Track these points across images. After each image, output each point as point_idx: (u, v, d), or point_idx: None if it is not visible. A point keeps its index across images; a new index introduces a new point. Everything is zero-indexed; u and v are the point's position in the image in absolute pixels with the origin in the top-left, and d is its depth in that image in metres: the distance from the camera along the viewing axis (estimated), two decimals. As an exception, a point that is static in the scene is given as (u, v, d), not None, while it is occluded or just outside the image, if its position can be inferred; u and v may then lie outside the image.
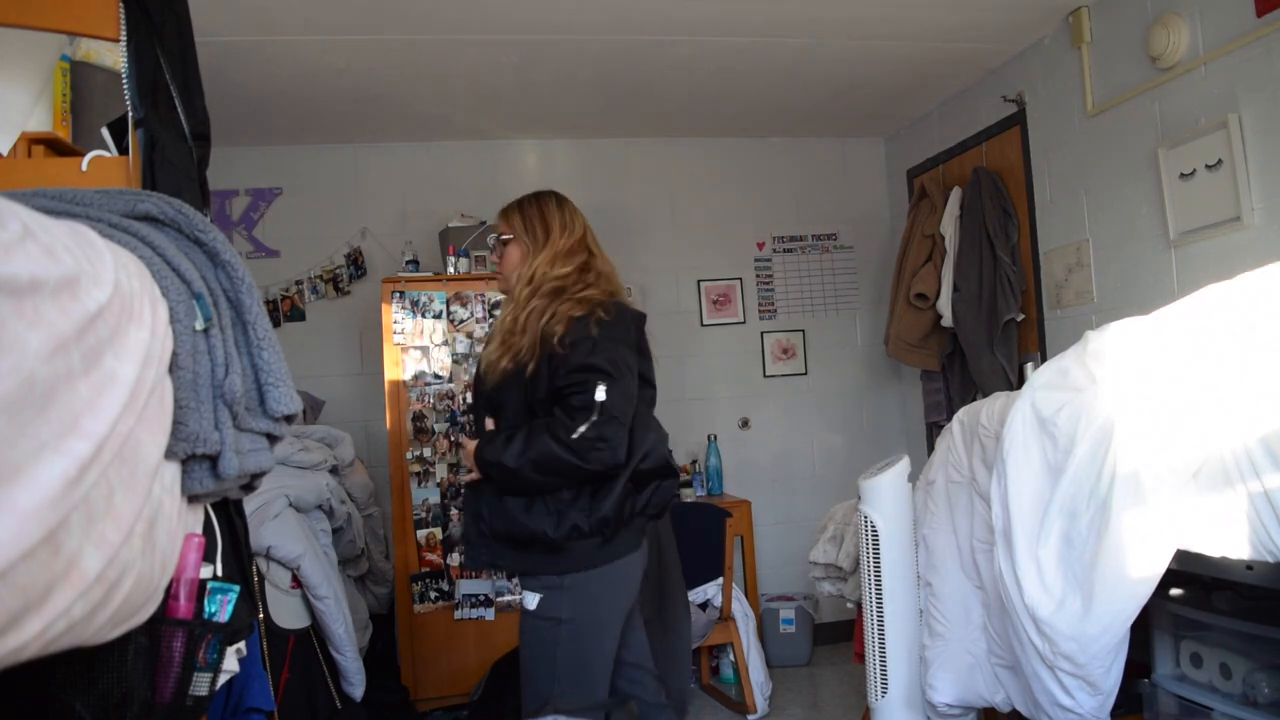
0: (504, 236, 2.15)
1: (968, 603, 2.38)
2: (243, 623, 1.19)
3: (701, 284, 4.58)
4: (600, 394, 1.84)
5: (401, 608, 3.59)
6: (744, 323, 4.61)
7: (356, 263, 4.25)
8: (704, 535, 3.57)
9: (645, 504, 2.02)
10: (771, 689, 3.76)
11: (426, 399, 3.65)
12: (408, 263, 3.85)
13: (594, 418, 1.83)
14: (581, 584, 1.91)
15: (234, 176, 4.17)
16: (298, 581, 2.51)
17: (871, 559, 2.47)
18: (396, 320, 3.66)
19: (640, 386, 2.04)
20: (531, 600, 1.94)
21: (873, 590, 2.48)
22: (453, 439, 3.64)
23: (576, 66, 3.57)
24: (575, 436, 1.83)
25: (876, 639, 2.48)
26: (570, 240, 2.08)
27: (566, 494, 1.91)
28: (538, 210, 2.12)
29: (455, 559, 3.61)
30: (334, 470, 3.12)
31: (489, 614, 3.61)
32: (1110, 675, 1.84)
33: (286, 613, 2.49)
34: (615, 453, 1.85)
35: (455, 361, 3.69)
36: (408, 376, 3.65)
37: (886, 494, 2.47)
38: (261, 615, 2.28)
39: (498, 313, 3.73)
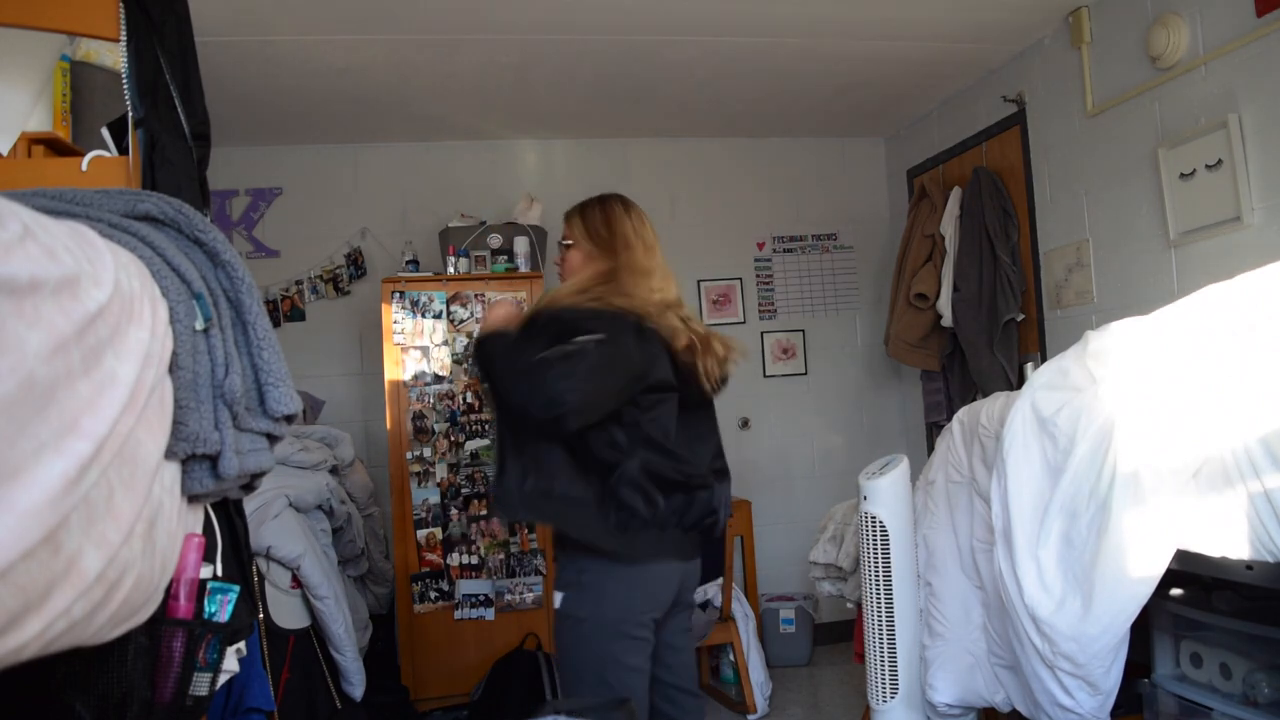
0: (564, 241, 2.13)
1: (968, 603, 2.38)
2: (243, 623, 1.19)
3: (701, 284, 4.58)
4: (576, 343, 1.81)
5: (401, 608, 3.59)
6: (744, 323, 4.61)
7: (356, 263, 4.25)
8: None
9: (680, 515, 1.93)
10: (771, 689, 3.76)
11: (426, 399, 3.65)
12: (408, 263, 3.85)
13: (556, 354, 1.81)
14: (598, 583, 1.89)
15: (234, 176, 4.17)
16: (298, 581, 2.51)
17: (880, 558, 2.46)
18: (396, 320, 3.66)
19: (662, 397, 1.96)
20: (557, 599, 1.95)
21: (880, 590, 2.47)
22: (453, 439, 3.65)
23: (576, 66, 3.57)
24: (539, 357, 1.81)
25: (885, 639, 2.48)
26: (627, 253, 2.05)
27: (594, 492, 1.87)
28: (603, 217, 2.09)
29: (455, 559, 3.61)
30: (334, 470, 3.12)
31: (489, 614, 3.61)
32: (1110, 675, 1.85)
33: (286, 613, 2.49)
34: (550, 388, 1.75)
35: (455, 361, 3.68)
36: (408, 376, 3.65)
37: (892, 493, 2.47)
38: (261, 615, 2.28)
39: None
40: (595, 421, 1.85)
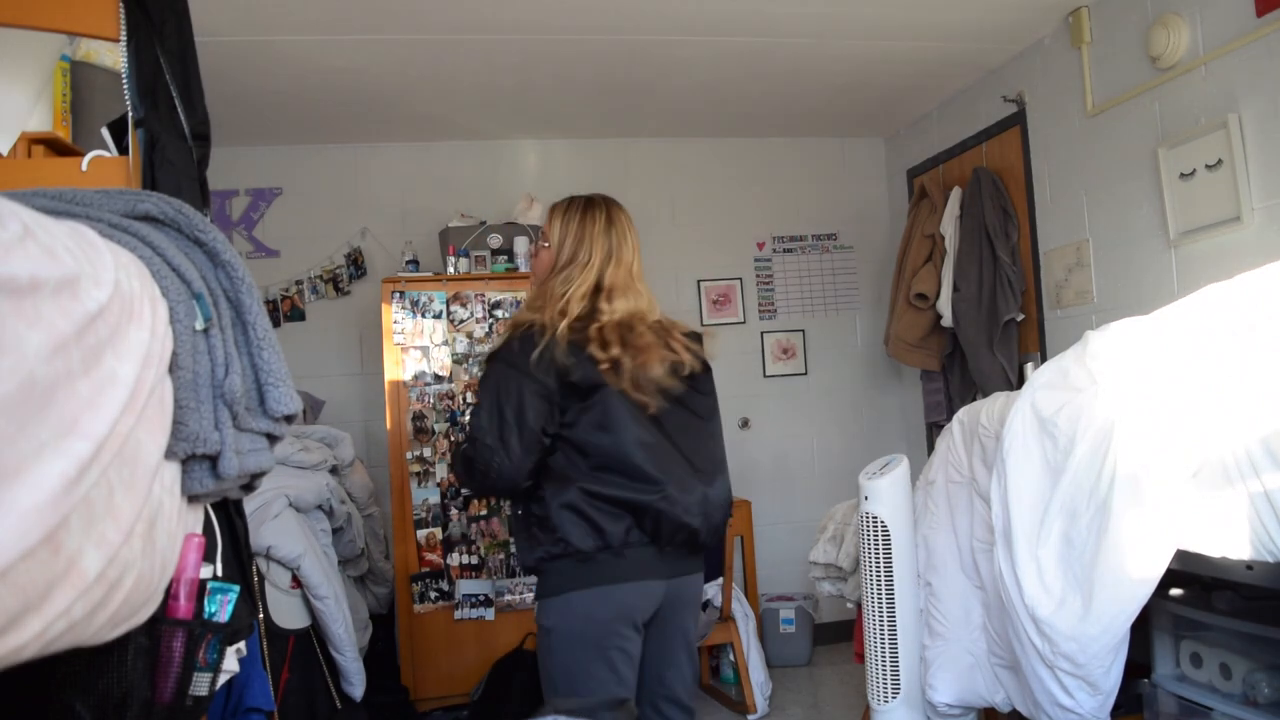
0: (544, 243, 2.04)
1: (968, 603, 2.38)
2: (243, 623, 1.19)
3: (701, 284, 4.57)
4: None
5: (401, 608, 3.59)
6: (744, 323, 4.61)
7: (356, 263, 4.25)
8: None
9: (653, 535, 1.84)
10: (771, 689, 3.76)
11: (426, 399, 3.65)
12: (408, 263, 3.85)
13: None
14: (564, 598, 1.86)
15: (234, 176, 4.17)
16: (298, 581, 2.51)
17: (880, 558, 2.46)
18: (396, 320, 3.66)
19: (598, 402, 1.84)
20: (535, 607, 1.95)
21: (881, 590, 2.47)
22: (452, 439, 3.64)
23: (576, 66, 3.57)
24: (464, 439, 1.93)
25: (885, 639, 2.47)
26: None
27: (535, 514, 1.86)
28: (580, 222, 1.99)
29: (455, 559, 3.61)
30: (334, 470, 3.12)
31: (489, 614, 3.61)
32: (1110, 675, 1.84)
33: (286, 613, 2.49)
34: (479, 455, 1.83)
35: (455, 361, 3.68)
36: (408, 376, 3.65)
37: (892, 493, 2.47)
38: (261, 615, 2.28)
39: (498, 313, 3.75)
40: (545, 452, 1.84)
